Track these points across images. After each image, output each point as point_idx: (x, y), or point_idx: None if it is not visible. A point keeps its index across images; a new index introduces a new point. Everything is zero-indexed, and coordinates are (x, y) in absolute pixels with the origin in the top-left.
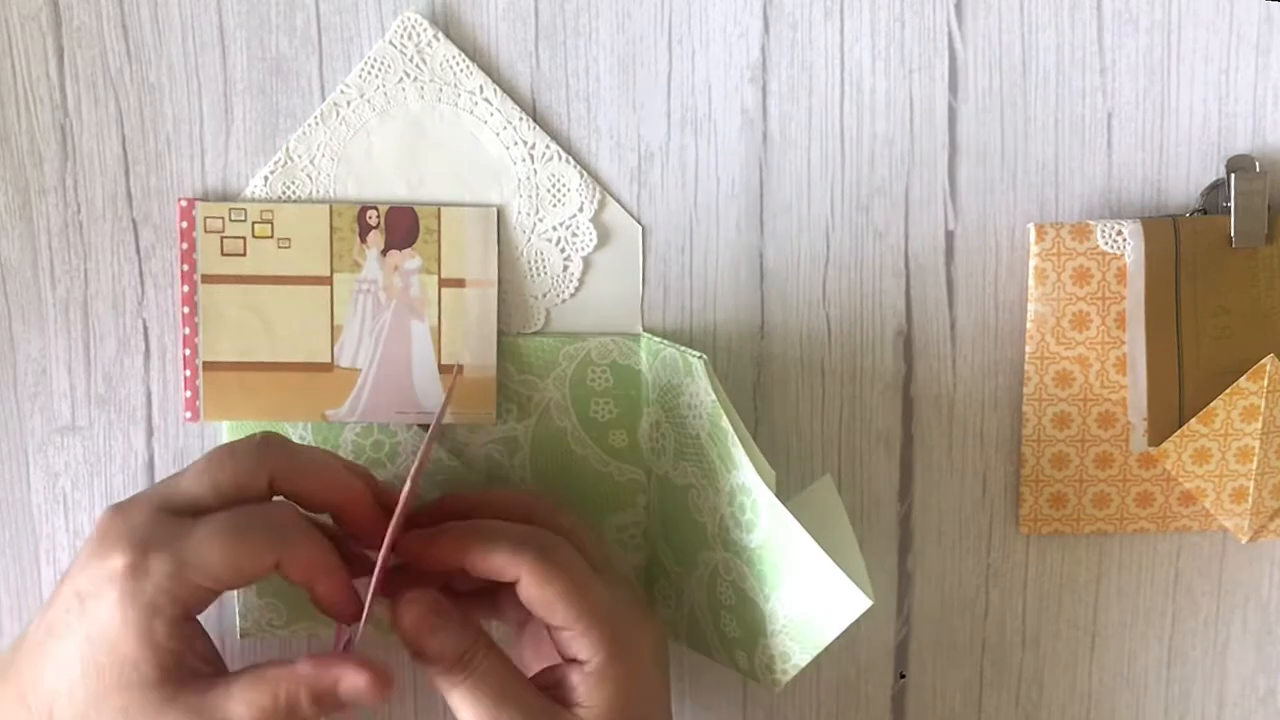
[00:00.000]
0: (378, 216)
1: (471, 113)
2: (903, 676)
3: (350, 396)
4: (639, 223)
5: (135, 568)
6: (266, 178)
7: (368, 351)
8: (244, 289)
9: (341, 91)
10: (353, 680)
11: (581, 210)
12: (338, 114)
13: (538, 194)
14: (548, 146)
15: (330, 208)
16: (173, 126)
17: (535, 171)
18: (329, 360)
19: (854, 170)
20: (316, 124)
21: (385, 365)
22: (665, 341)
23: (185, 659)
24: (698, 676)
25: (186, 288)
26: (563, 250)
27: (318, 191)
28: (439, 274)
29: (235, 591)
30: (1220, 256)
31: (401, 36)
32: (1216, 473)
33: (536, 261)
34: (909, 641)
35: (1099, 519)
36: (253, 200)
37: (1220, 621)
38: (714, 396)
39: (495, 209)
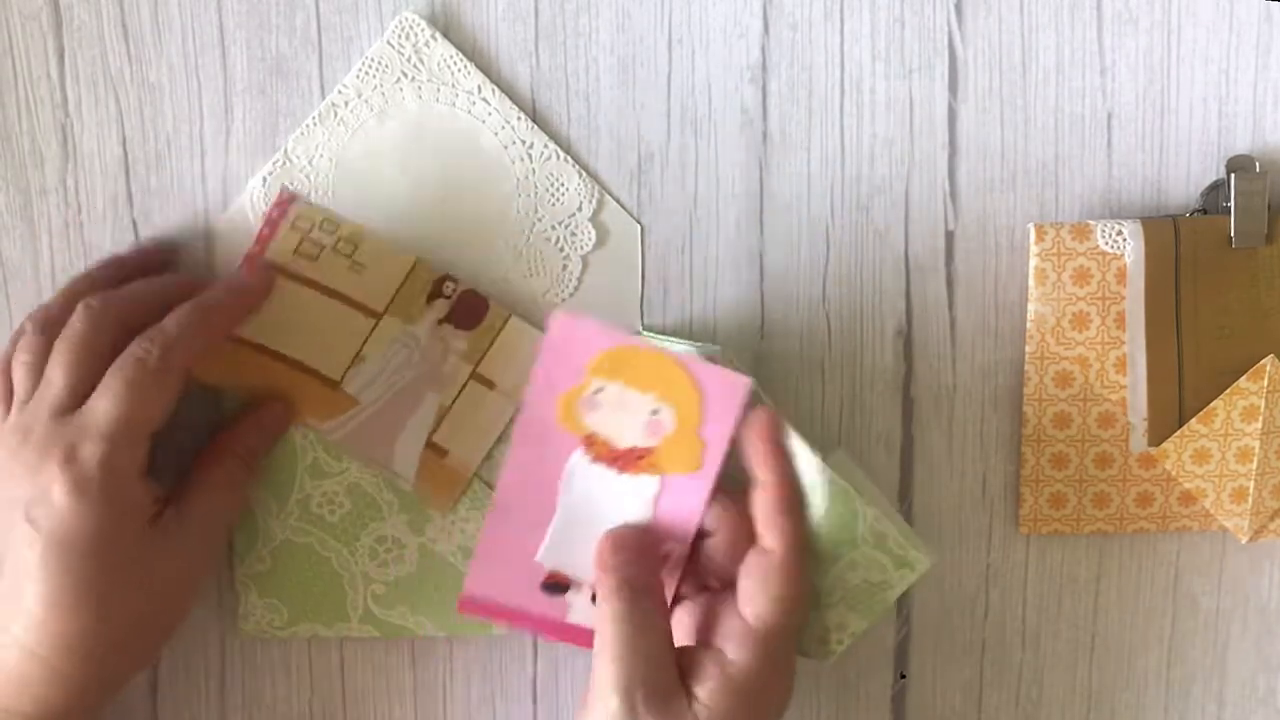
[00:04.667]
0: (453, 289)
1: (469, 112)
2: (903, 676)
3: (339, 420)
4: (638, 222)
5: (69, 462)
6: (265, 178)
7: (376, 393)
8: (297, 288)
9: (339, 92)
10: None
11: (580, 210)
12: (336, 114)
13: (536, 193)
14: (546, 146)
15: (415, 261)
16: (173, 126)
17: (534, 171)
18: (337, 379)
19: (854, 170)
20: (315, 125)
21: (385, 412)
22: (668, 337)
23: (150, 508)
24: None
25: (243, 266)
26: (561, 250)
27: (315, 192)
28: (476, 367)
29: (238, 593)
30: (1220, 257)
31: (399, 37)
32: (1216, 473)
33: (535, 261)
34: (909, 641)
35: (1099, 519)
36: (347, 222)
37: (1220, 621)
38: (750, 382)
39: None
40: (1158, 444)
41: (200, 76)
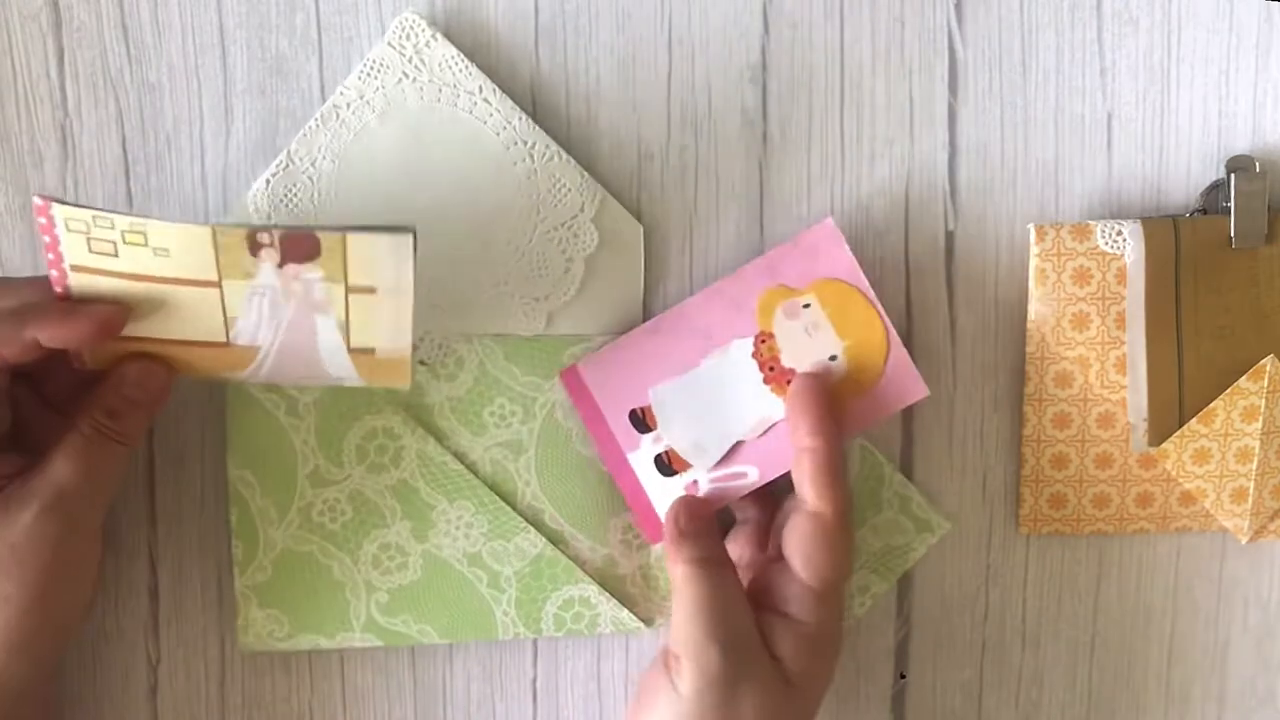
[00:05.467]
0: (270, 237)
1: (471, 113)
2: (903, 677)
3: (252, 365)
4: (640, 223)
5: None
6: (269, 180)
7: (268, 334)
8: (119, 282)
9: (341, 93)
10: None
11: (582, 211)
12: (338, 116)
13: (538, 194)
14: (547, 146)
15: (212, 229)
16: (173, 126)
17: (535, 172)
18: (225, 340)
19: (854, 170)
20: (317, 126)
21: (289, 345)
22: None
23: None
24: None
25: (56, 272)
26: (564, 251)
27: (319, 195)
28: (345, 283)
29: (238, 605)
30: (1220, 257)
31: (400, 37)
32: (1216, 473)
33: (538, 263)
34: (909, 641)
35: (1099, 519)
36: (119, 213)
37: (1220, 621)
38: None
39: (411, 235)
40: (1158, 444)
41: (200, 76)
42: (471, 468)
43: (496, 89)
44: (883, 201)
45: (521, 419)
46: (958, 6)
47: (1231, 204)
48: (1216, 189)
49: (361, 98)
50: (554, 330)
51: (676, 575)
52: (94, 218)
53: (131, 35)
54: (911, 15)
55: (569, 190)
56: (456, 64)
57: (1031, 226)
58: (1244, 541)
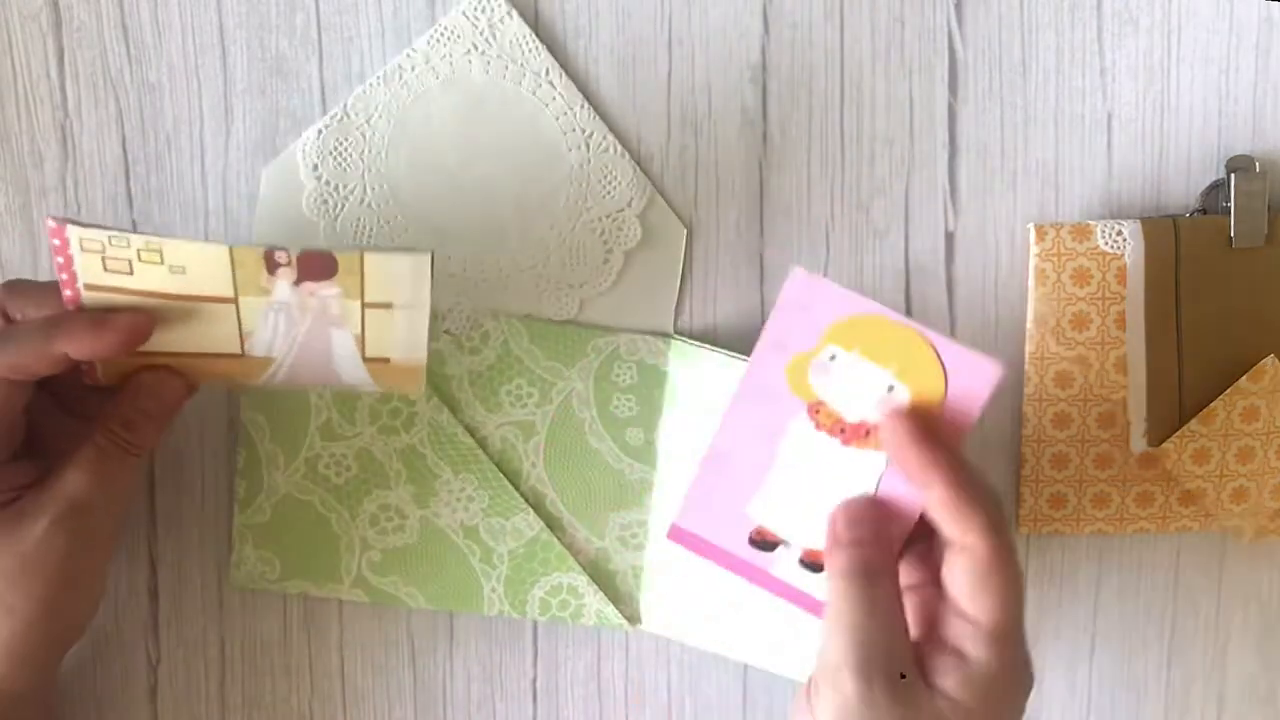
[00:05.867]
0: (288, 257)
1: (534, 94)
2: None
3: (268, 373)
4: (685, 225)
5: None
6: (320, 131)
7: (284, 345)
8: (135, 299)
9: (408, 56)
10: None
11: (630, 205)
12: (400, 77)
13: (588, 183)
14: (605, 138)
15: (229, 249)
16: (173, 126)
17: (589, 161)
18: (240, 351)
19: (854, 170)
20: (378, 84)
21: (304, 356)
22: (702, 345)
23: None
24: (697, 677)
25: (69, 292)
26: (605, 242)
27: (370, 151)
28: (362, 300)
29: (233, 542)
30: (1220, 257)
31: (475, 9)
32: (1216, 473)
33: (577, 250)
34: None
35: (1099, 519)
36: (134, 232)
37: (1220, 621)
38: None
39: (429, 256)
40: (1158, 444)
41: (200, 76)
42: (481, 442)
43: (563, 74)
44: (883, 201)
45: (538, 402)
46: (958, 6)
47: (1231, 204)
48: (1216, 189)
49: (427, 62)
50: (584, 318)
51: (828, 589)
52: (110, 238)
53: (131, 35)
54: (911, 15)
55: (619, 184)
56: (528, 43)
57: (1031, 226)
58: (1244, 541)
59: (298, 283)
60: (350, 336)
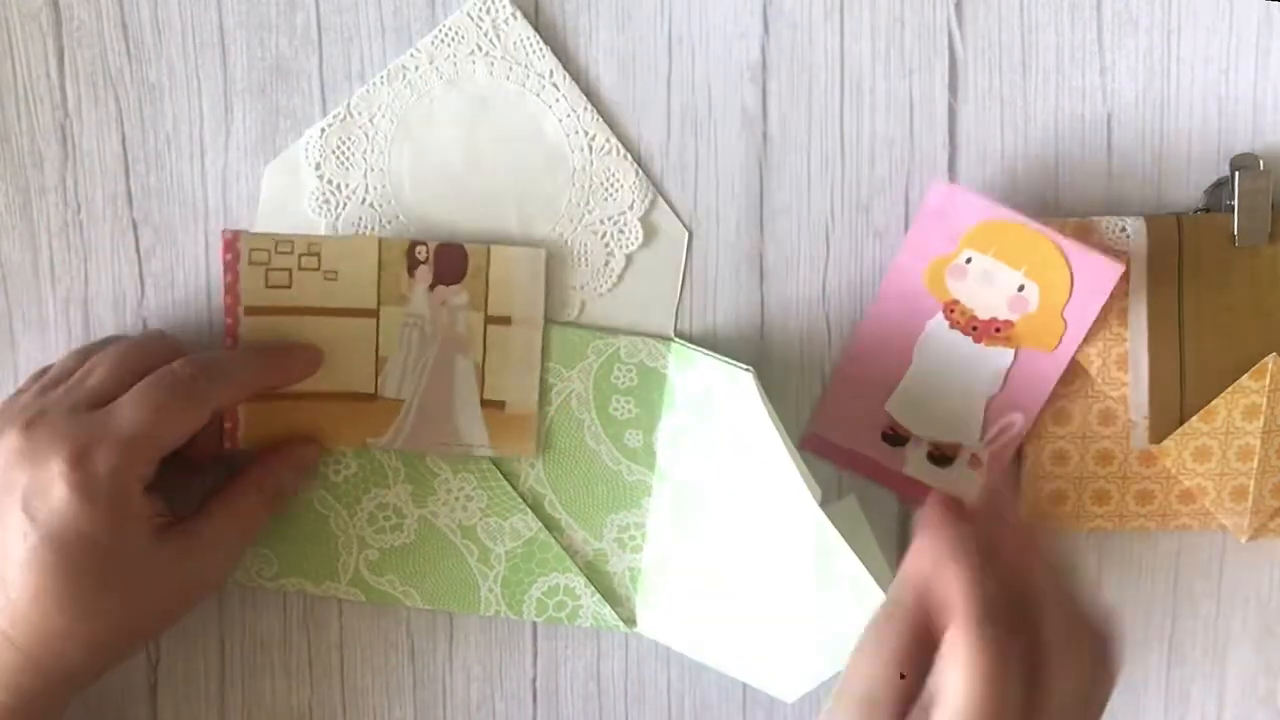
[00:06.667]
0: (427, 252)
1: (538, 96)
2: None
3: (393, 426)
4: (686, 228)
5: (79, 462)
6: (323, 130)
7: (412, 384)
8: (289, 320)
9: (412, 55)
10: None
11: (632, 208)
12: (404, 77)
13: (590, 185)
14: (608, 140)
15: (379, 242)
16: (173, 126)
17: (591, 163)
18: (373, 391)
19: (854, 170)
20: (381, 84)
21: (429, 397)
22: (701, 349)
23: (153, 519)
24: (697, 677)
25: (230, 320)
26: (606, 245)
27: (373, 151)
28: (485, 311)
29: None
30: (1223, 254)
31: (479, 10)
32: (1217, 471)
33: (579, 252)
34: None
35: (1099, 516)
36: (299, 235)
37: (1220, 621)
38: (764, 411)
39: (543, 250)
40: (1158, 441)
41: (200, 76)
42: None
43: (567, 76)
44: (883, 201)
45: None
46: (958, 6)
47: (1235, 201)
48: (1220, 187)
49: (431, 63)
50: (585, 320)
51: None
52: (276, 243)
53: (131, 35)
54: (911, 15)
55: (622, 186)
56: (532, 45)
57: None
58: (1244, 540)
59: (433, 286)
60: (472, 366)
